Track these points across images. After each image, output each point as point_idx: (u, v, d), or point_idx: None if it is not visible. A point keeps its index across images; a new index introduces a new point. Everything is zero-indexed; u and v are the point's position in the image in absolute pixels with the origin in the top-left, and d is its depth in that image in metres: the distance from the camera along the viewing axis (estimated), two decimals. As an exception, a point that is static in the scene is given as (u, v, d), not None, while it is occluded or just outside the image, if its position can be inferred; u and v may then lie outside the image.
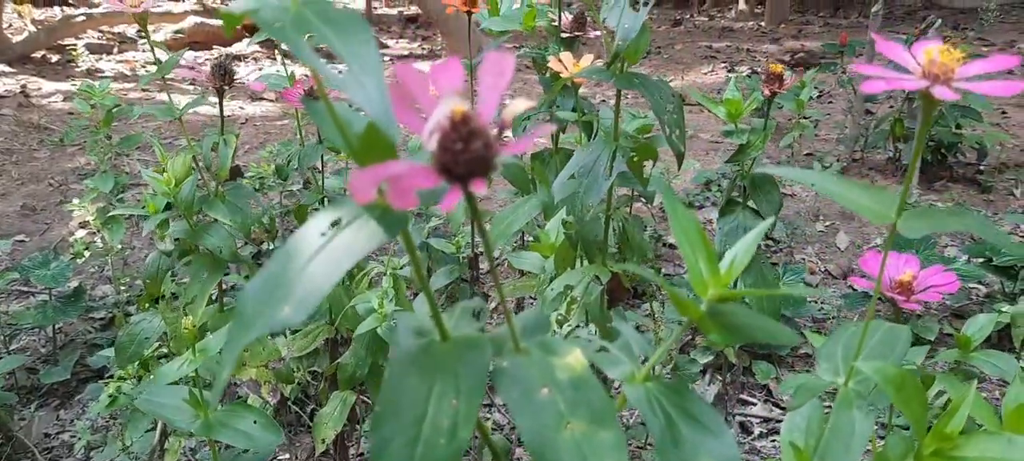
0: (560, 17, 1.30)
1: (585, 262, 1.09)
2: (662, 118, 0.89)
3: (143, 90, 5.52)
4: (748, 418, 2.03)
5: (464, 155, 0.36)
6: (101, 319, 2.43)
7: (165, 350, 1.58)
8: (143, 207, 1.40)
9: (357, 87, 0.31)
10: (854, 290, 2.55)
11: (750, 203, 1.27)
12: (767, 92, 1.20)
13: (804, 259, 2.93)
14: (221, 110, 1.13)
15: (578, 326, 1.07)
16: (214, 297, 1.26)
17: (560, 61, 1.05)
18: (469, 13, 1.37)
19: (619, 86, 0.93)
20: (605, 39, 0.88)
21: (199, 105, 1.13)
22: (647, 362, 0.49)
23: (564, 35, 1.29)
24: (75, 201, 2.32)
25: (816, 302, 2.58)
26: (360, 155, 0.37)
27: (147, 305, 1.49)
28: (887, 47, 0.52)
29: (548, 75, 1.30)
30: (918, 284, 0.75)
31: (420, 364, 0.42)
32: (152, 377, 1.52)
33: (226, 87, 1.06)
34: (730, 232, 1.26)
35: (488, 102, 0.38)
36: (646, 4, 0.83)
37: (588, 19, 1.31)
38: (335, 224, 0.40)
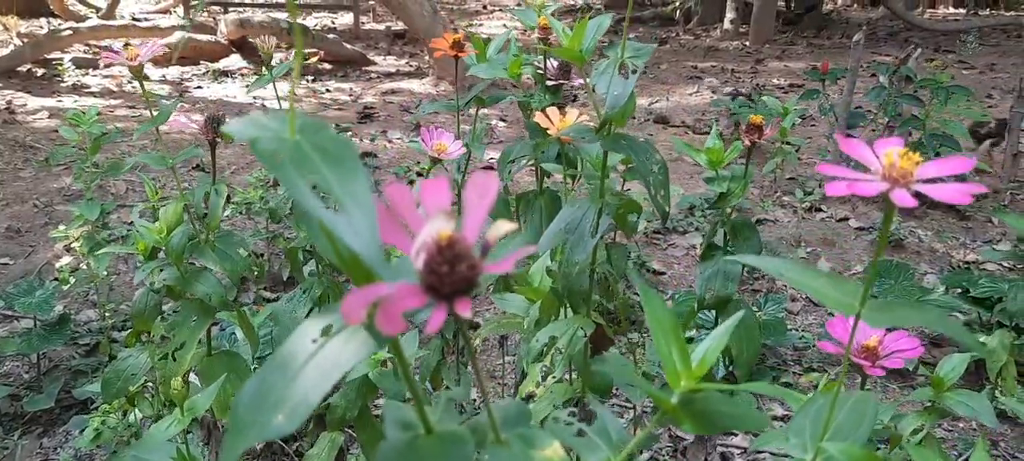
0: (546, 65, 1.32)
1: (569, 310, 1.11)
2: (648, 179, 0.92)
3: (129, 107, 5.51)
4: (729, 448, 2.05)
5: (450, 277, 0.38)
6: (86, 345, 2.43)
7: (150, 383, 1.58)
8: (132, 243, 1.41)
9: (350, 231, 0.33)
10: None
11: (731, 248, 1.30)
12: (747, 141, 1.23)
13: (785, 286, 2.97)
14: (213, 162, 1.14)
15: (563, 377, 1.10)
16: (202, 341, 1.27)
17: (546, 116, 1.08)
18: (456, 58, 1.40)
19: (606, 149, 0.95)
20: (593, 104, 0.90)
21: (190, 155, 1.15)
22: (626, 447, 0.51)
23: (550, 83, 1.31)
24: (61, 227, 2.32)
25: (796, 330, 2.62)
26: (350, 270, 0.39)
27: (134, 341, 1.50)
28: (849, 146, 0.54)
29: (534, 120, 1.33)
30: (883, 349, 0.78)
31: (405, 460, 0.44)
32: (137, 413, 1.53)
33: (218, 139, 1.08)
34: (710, 277, 1.28)
35: (473, 221, 0.40)
36: (635, 72, 0.86)
37: (573, 67, 1.33)
38: (326, 331, 0.42)
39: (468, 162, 1.54)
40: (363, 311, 0.37)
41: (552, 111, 1.09)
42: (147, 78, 1.39)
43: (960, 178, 0.51)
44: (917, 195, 0.50)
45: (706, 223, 3.42)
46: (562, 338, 1.02)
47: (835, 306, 0.53)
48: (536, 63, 1.31)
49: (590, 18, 0.99)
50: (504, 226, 0.39)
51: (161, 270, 1.16)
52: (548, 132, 1.09)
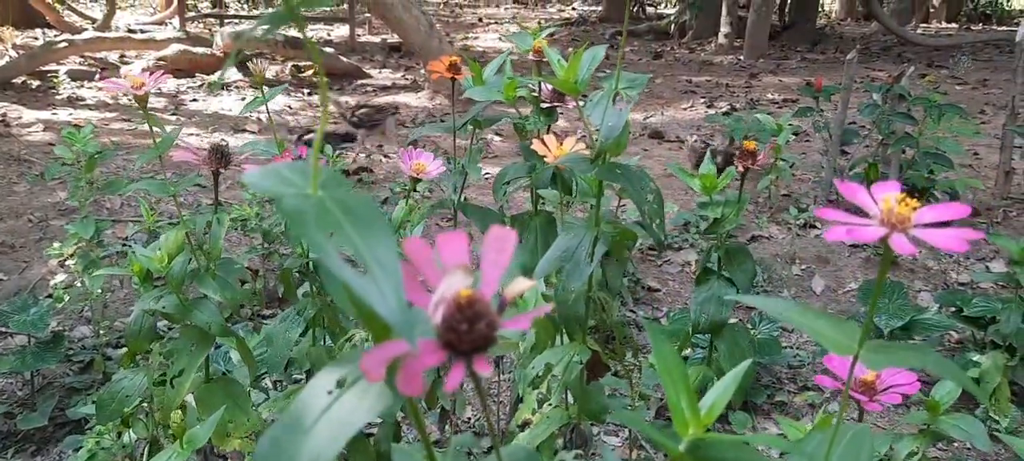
0: (540, 88, 1.33)
1: (565, 336, 1.12)
2: (643, 208, 0.93)
3: (125, 120, 5.50)
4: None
5: (469, 335, 0.39)
6: (80, 362, 2.42)
7: (145, 404, 1.58)
8: (127, 264, 1.41)
9: (378, 296, 0.34)
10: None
11: (725, 273, 1.31)
12: (741, 168, 1.24)
13: (780, 304, 2.97)
14: (215, 192, 1.15)
15: (559, 402, 1.10)
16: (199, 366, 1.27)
17: (543, 144, 1.09)
18: (453, 80, 1.40)
19: (601, 178, 0.96)
20: (588, 133, 0.91)
21: (191, 183, 1.15)
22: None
23: (544, 105, 1.32)
24: (56, 244, 2.31)
25: (791, 348, 2.62)
26: (369, 324, 0.40)
27: (129, 362, 1.50)
28: (848, 190, 0.55)
29: (528, 143, 1.34)
30: (881, 383, 0.79)
31: (413, 509, 0.44)
32: (132, 434, 1.53)
33: (222, 169, 1.08)
34: (705, 302, 1.29)
35: (491, 278, 0.41)
36: (628, 101, 0.87)
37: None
38: (341, 383, 0.42)
39: (465, 182, 1.55)
40: (383, 368, 0.37)
41: (549, 138, 1.10)
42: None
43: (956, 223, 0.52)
44: (914, 240, 0.51)
45: (701, 240, 3.43)
46: (558, 365, 1.02)
47: (834, 348, 0.54)
48: (531, 86, 1.32)
49: (586, 49, 1.00)
50: (522, 284, 0.40)
51: (160, 299, 1.15)
52: (544, 159, 1.09)
